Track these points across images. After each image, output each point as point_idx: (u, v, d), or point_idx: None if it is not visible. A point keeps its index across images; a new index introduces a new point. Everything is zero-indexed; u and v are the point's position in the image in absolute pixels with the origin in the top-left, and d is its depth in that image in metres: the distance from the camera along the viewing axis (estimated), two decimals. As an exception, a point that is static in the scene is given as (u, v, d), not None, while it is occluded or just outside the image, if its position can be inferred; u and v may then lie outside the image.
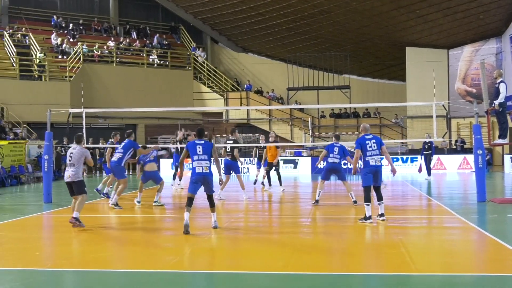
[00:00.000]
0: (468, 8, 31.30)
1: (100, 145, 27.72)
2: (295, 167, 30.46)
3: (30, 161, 27.98)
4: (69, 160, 11.91)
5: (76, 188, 11.88)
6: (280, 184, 19.69)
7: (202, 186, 11.02)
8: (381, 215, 12.11)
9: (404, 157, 30.50)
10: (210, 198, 11.14)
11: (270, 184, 20.01)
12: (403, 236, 10.50)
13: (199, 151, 10.89)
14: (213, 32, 40.88)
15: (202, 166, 10.81)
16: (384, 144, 12.33)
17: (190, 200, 10.94)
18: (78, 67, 33.91)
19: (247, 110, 37.45)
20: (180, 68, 38.68)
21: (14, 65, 32.72)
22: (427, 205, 15.95)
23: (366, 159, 11.97)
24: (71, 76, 33.10)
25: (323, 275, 7.71)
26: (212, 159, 11.07)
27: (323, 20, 34.89)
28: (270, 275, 7.72)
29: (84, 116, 18.77)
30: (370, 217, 11.87)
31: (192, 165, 10.87)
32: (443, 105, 18.67)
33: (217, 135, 35.15)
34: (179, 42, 41.41)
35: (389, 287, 7.14)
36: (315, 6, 32.93)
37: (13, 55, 33.04)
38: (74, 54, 34.25)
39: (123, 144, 15.49)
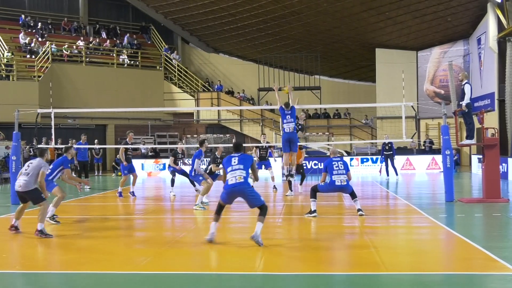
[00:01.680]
0: (437, 11, 31.71)
1: (99, 145, 27.28)
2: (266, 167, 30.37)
3: (-4, 162, 27.38)
4: (25, 169, 11.36)
5: (31, 198, 11.21)
6: (301, 183, 19.85)
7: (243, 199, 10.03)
8: (359, 210, 13.06)
9: (374, 157, 30.73)
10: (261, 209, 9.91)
11: (291, 189, 18.79)
12: (372, 236, 10.58)
13: (234, 162, 9.99)
14: (184, 32, 40.74)
15: (235, 177, 9.80)
16: (350, 170, 13.32)
17: (220, 208, 9.99)
18: (47, 67, 33.47)
19: (218, 110, 37.36)
20: (151, 68, 38.50)
21: (-19, 64, 32.24)
22: (396, 205, 16.07)
23: (333, 178, 12.85)
24: (39, 76, 32.65)
25: (292, 275, 7.76)
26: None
27: (294, 21, 35.04)
28: (243, 276, 7.73)
29: (53, 117, 18.66)
30: (315, 211, 12.93)
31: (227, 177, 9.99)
32: (412, 106, 18.95)
33: (187, 136, 34.96)
34: (149, 42, 41.19)
35: (358, 287, 7.19)
36: (286, 7, 33.05)
37: (-20, 54, 32.52)
38: (43, 53, 33.82)
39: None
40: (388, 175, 25.30)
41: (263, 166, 20.79)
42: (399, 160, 28.30)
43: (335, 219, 13.11)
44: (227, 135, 34.94)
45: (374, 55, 37.33)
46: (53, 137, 19.35)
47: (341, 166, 12.98)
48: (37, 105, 29.14)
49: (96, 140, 31.06)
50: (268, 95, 38.51)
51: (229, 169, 9.94)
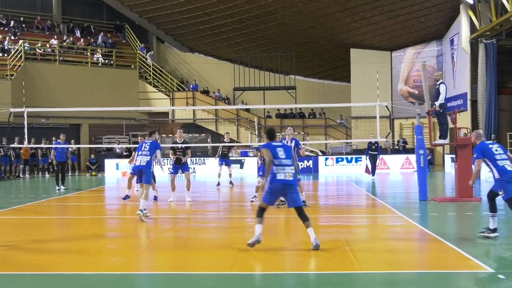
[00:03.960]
0: (410, 12, 31.98)
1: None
2: (241, 167, 30.49)
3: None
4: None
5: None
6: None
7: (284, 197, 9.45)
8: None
9: (349, 157, 30.91)
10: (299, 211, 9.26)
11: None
12: (347, 235, 10.60)
13: (281, 155, 9.17)
14: (159, 31, 40.54)
15: (285, 173, 9.10)
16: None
17: (261, 211, 9.33)
18: (19, 66, 33.07)
19: (193, 110, 37.40)
20: (125, 67, 38.27)
21: (-48, 62, 31.71)
22: (371, 204, 16.14)
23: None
24: (12, 75, 32.25)
25: (267, 274, 7.81)
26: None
27: (269, 21, 35.07)
28: (216, 276, 7.73)
29: (26, 116, 18.59)
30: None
31: (273, 171, 9.12)
32: (386, 106, 19.09)
33: (163, 135, 34.73)
34: (124, 41, 40.93)
35: (333, 286, 7.20)
36: (261, 7, 33.05)
37: (-49, 52, 31.98)
38: (16, 52, 33.36)
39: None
40: (373, 174, 25.25)
41: (223, 163, 21.97)
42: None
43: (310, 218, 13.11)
44: (203, 134, 34.86)
45: (349, 55, 37.55)
46: (26, 136, 19.17)
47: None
48: (10, 104, 28.83)
49: (72, 141, 30.90)
50: (243, 95, 38.53)
51: (276, 161, 9.09)
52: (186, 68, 42.21)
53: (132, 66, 38.46)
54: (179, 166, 16.71)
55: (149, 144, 13.33)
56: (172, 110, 37.24)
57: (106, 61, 37.56)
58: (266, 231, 11.22)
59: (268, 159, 9.13)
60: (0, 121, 25.62)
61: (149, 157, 13.09)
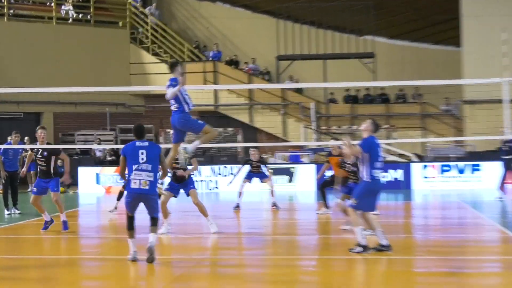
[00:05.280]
0: None
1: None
2: (290, 180, 30.00)
3: None
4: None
5: None
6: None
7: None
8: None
9: (461, 164, 30.34)
10: None
11: (327, 206, 20.29)
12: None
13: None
14: (162, -31, 40.66)
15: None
16: None
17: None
18: None
19: (215, 91, 37.21)
20: (110, 25, 38.65)
21: None
22: (500, 240, 15.86)
23: None
24: None
25: None
26: None
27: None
28: None
29: None
30: None
31: None
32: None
33: (167, 130, 34.39)
34: (108, -15, 41.10)
35: None
36: None
37: None
38: None
39: None
40: (502, 189, 24.40)
41: (251, 178, 22.77)
42: (495, 169, 27.40)
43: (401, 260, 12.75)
44: (230, 129, 34.72)
45: (459, 4, 36.80)
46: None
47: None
48: None
49: (26, 138, 30.67)
50: (292, 67, 38.09)
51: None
52: (203, 26, 42.09)
53: (121, 24, 38.82)
54: (179, 184, 16.74)
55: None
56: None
57: (80, 16, 37.98)
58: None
59: None
60: None
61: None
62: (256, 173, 22.62)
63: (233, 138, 33.84)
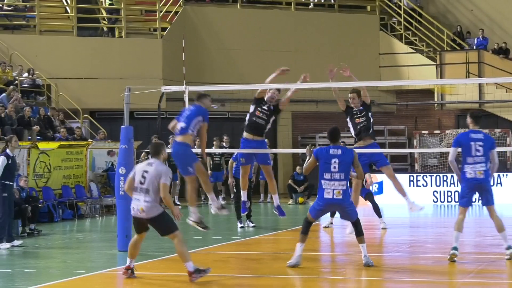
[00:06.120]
0: None
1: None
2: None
3: (94, 178, 28.76)
4: (141, 182, 12.82)
5: (159, 227, 12.97)
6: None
7: None
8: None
9: None
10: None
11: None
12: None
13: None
14: None
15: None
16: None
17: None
18: (176, 13, 34.33)
19: (480, 85, 34.41)
20: (356, 10, 38.77)
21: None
22: None
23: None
24: (164, 29, 33.65)
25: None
26: None
27: None
28: None
29: (187, 99, 18.09)
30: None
31: None
32: None
33: (423, 132, 33.39)
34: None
35: None
36: None
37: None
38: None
39: None
40: None
41: None
42: None
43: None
44: (497, 130, 32.77)
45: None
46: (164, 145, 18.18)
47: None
48: (161, 80, 31.67)
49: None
50: None
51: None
52: (466, 9, 39.36)
53: (369, 8, 38.77)
54: None
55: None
56: (439, 85, 35.50)
57: (323, 0, 38.99)
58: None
59: None
60: (143, 107, 26.45)
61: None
62: None
63: (500, 140, 31.08)
